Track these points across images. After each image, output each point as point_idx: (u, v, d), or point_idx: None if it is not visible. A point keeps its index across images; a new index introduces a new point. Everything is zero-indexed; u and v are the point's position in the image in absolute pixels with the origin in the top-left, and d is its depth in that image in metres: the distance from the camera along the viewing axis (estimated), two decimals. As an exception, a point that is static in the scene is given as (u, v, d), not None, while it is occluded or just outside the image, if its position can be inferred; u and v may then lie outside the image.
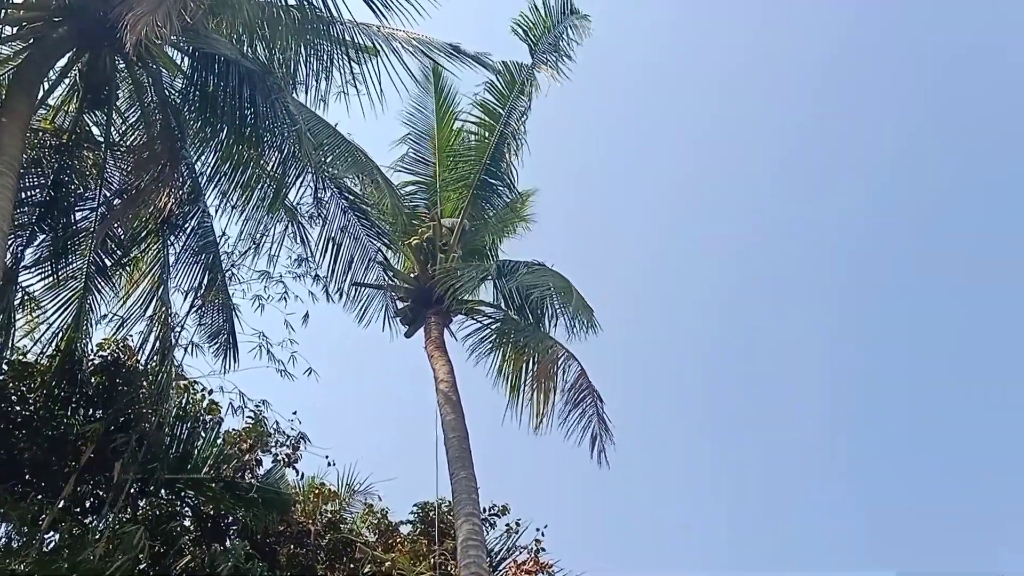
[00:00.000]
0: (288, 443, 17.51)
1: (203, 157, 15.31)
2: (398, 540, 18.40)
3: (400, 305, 18.88)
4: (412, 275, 19.07)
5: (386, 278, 18.31)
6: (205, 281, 16.12)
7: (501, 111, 19.18)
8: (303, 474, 17.92)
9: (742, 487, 31.71)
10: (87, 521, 15.78)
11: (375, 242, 17.28)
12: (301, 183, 15.32)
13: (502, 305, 18.73)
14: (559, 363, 17.67)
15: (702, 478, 32.00)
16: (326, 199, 16.27)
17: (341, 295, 18.19)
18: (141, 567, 14.86)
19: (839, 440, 32.45)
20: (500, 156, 19.27)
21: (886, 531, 29.88)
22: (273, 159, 14.76)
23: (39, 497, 15.23)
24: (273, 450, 17.45)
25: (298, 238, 16.51)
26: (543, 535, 18.85)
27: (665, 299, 34.51)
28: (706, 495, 31.67)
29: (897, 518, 30.21)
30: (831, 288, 33.94)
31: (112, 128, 15.81)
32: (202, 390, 17.05)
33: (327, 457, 17.99)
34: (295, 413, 17.56)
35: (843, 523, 30.97)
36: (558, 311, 17.22)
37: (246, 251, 16.77)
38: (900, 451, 32.28)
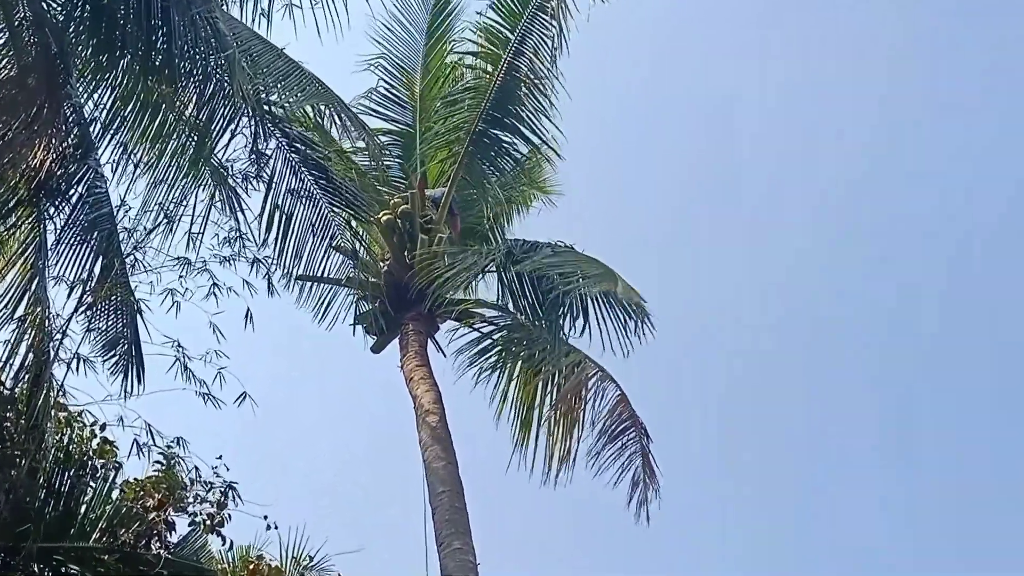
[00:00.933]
0: (212, 498, 16.25)
1: (96, 97, 14.23)
2: (369, 637, 17.48)
3: (367, 307, 18.35)
4: (382, 264, 18.21)
5: (349, 268, 17.54)
6: (98, 270, 14.96)
7: (511, 35, 18.17)
8: (232, 542, 16.82)
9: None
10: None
11: (338, 210, 16.40)
12: (234, 131, 14.27)
13: (509, 305, 17.86)
14: (590, 385, 16.98)
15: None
16: (269, 152, 15.36)
17: (291, 284, 17.73)
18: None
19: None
20: (510, 98, 18.27)
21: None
22: (195, 98, 13.83)
23: None
24: (191, 508, 16.22)
25: (230, 208, 15.45)
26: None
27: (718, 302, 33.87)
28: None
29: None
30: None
31: None
32: (92, 424, 15.77)
33: (266, 518, 16.72)
34: (220, 458, 16.32)
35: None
36: (600, 311, 16.22)
37: (155, 227, 15.55)
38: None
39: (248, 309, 16.58)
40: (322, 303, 18.55)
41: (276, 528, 17.14)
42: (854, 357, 34.74)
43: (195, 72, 13.46)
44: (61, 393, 15.42)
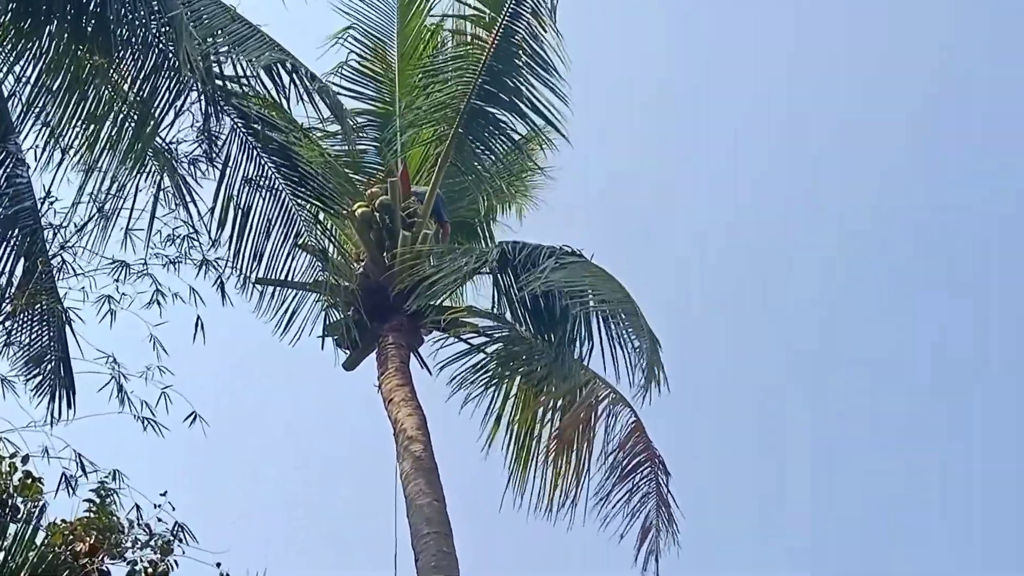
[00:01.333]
0: (155, 542, 15.10)
1: (17, 69, 13.60)
2: None
3: (338, 316, 17.65)
4: (357, 266, 17.65)
5: (316, 270, 16.67)
6: (19, 274, 14.51)
7: None
8: None
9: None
10: None
11: (305, 201, 15.91)
12: (181, 109, 13.83)
13: (506, 314, 17.26)
14: (600, 410, 16.54)
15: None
16: (223, 134, 14.92)
17: (249, 289, 16.74)
18: None
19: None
20: (506, 68, 17.62)
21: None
22: (134, 70, 13.42)
23: None
24: (130, 554, 15.09)
25: (177, 199, 15.10)
26: None
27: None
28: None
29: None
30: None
31: None
32: (12, 456, 14.88)
33: (219, 566, 15.33)
34: (165, 494, 15.30)
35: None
36: (613, 337, 15.56)
37: (87, 223, 14.92)
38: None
39: (198, 318, 16.05)
40: (286, 311, 17.85)
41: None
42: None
43: (134, 40, 13.11)
44: None
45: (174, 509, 15.12)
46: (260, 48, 14.89)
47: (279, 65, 14.96)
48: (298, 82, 15.27)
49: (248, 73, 14.73)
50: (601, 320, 15.59)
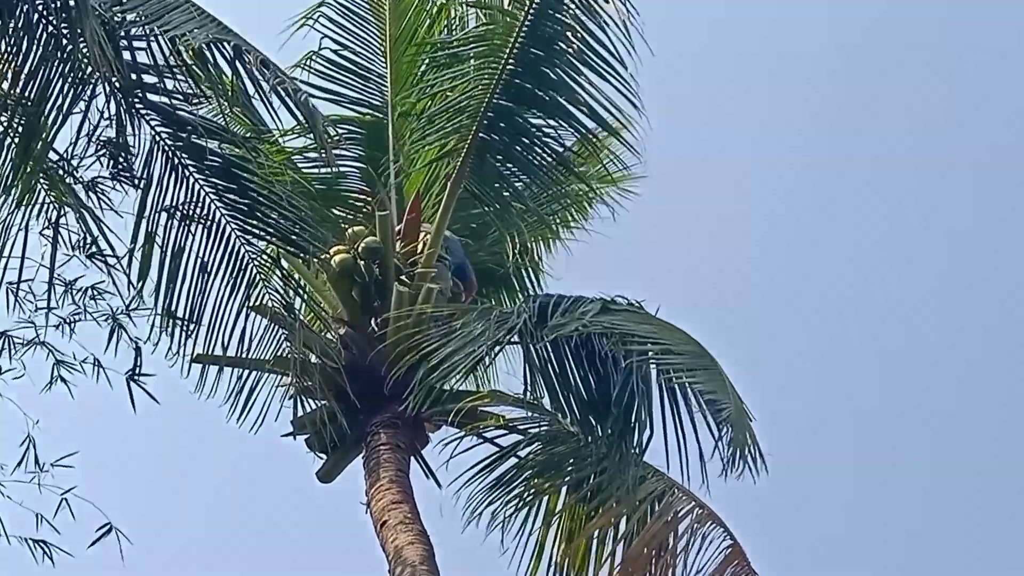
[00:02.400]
0: None
1: None
2: None
3: (311, 405, 16.41)
4: (334, 335, 16.60)
5: (278, 342, 15.62)
6: None
7: None
8: None
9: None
10: None
11: (261, 242, 15.14)
12: (86, 110, 13.12)
13: (545, 399, 15.83)
14: (680, 530, 15.57)
15: None
16: (138, 146, 13.91)
17: (182, 368, 15.66)
18: None
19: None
20: (547, 53, 16.31)
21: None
22: (17, 64, 12.69)
23: None
24: None
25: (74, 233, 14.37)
26: None
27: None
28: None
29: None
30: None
31: None
32: None
33: None
34: None
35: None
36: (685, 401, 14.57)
37: None
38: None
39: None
40: (240, 396, 16.39)
41: None
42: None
43: (15, 22, 12.37)
44: None
45: None
46: (189, 23, 13.73)
47: (216, 46, 13.82)
48: (245, 71, 14.03)
49: (173, 59, 13.78)
50: (665, 379, 14.41)
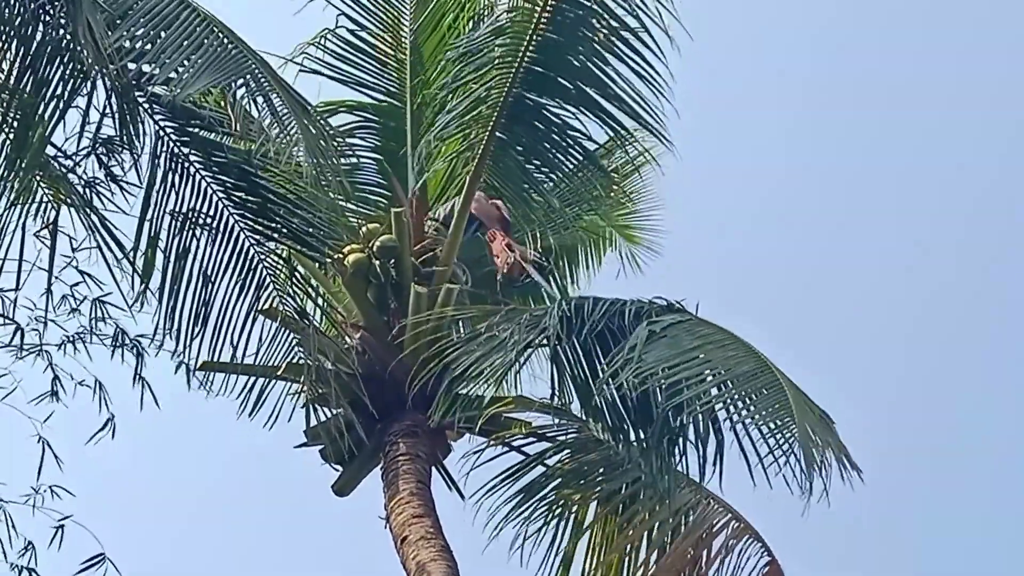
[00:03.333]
0: None
1: None
2: None
3: (329, 413, 15.52)
4: (350, 340, 15.82)
5: (299, 341, 14.93)
6: None
7: None
8: None
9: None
10: None
11: (271, 243, 14.54)
12: (86, 114, 12.76)
13: (574, 405, 15.16)
14: (716, 545, 15.07)
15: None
16: (142, 144, 13.36)
17: (188, 376, 15.33)
18: None
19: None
20: (571, 41, 15.50)
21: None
22: (12, 59, 12.42)
23: None
24: None
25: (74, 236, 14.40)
26: None
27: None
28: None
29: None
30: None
31: None
32: None
33: None
34: None
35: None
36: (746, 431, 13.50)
37: None
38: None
39: (110, 419, 15.38)
40: (251, 402, 15.70)
41: None
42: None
43: (11, 16, 12.16)
44: None
45: None
46: (192, 35, 13.12)
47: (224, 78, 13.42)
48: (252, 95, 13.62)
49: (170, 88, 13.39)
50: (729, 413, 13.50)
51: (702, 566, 14.99)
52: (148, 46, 13.05)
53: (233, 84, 13.49)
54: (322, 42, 17.60)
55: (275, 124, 13.50)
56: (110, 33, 12.05)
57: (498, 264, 15.93)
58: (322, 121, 15.39)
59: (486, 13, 16.80)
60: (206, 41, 13.29)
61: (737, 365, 13.37)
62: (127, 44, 12.73)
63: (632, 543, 15.16)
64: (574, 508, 15.34)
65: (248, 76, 13.64)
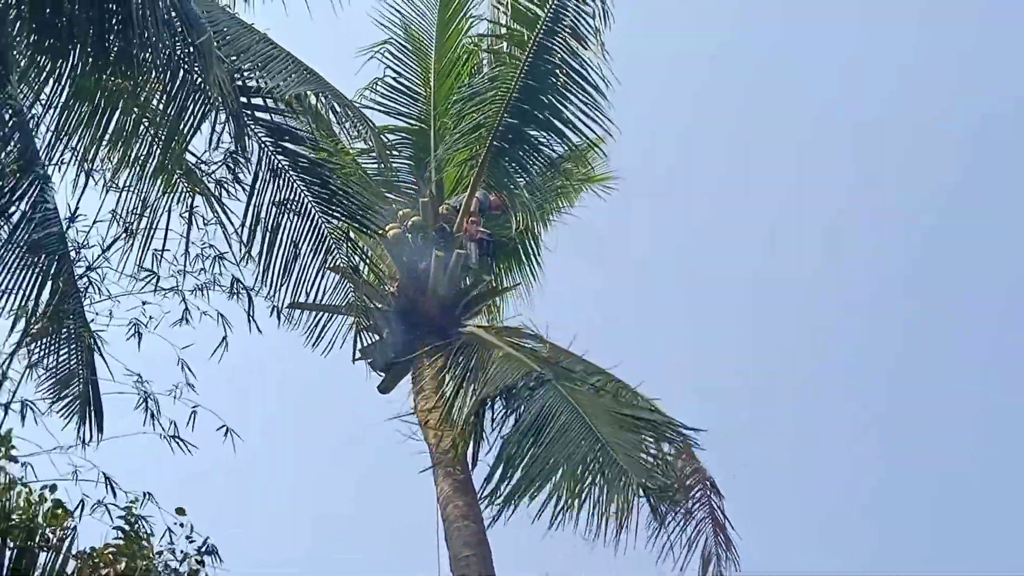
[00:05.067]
0: (184, 565, 15.54)
1: (44, 94, 13.95)
2: None
3: (373, 338, 18.09)
4: (391, 288, 18.16)
5: (352, 288, 17.22)
6: (45, 297, 14.85)
7: (540, 12, 17.70)
8: None
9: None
10: None
11: (337, 222, 16.23)
12: (212, 128, 14.12)
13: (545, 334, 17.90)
14: None
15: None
16: (250, 152, 15.19)
17: (279, 313, 17.21)
18: None
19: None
20: (542, 86, 17.95)
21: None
22: (160, 92, 13.76)
23: None
24: None
25: (212, 212, 15.57)
26: None
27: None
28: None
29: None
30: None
31: None
32: (42, 488, 15.03)
33: None
34: (182, 512, 15.80)
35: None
36: None
37: (113, 242, 15.58)
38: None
39: (224, 337, 16.57)
40: (316, 328, 18.55)
41: None
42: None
43: (158, 62, 13.32)
44: (3, 444, 15.10)
45: (199, 539, 15.67)
46: (287, 70, 15.45)
47: (308, 88, 15.45)
48: (328, 106, 16.01)
49: (275, 96, 15.30)
50: None
51: None
52: (256, 73, 15.21)
53: (320, 93, 15.87)
54: (374, 87, 19.85)
55: (355, 127, 16.57)
56: (230, 78, 13.84)
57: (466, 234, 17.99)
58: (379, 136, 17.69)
59: (483, 63, 19.11)
60: (298, 67, 15.72)
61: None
62: (240, 82, 14.72)
63: None
64: None
65: (328, 89, 16.13)
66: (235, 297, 16.69)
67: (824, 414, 36.62)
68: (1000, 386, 36.34)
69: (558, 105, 18.04)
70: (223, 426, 16.24)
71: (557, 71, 17.85)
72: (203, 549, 15.57)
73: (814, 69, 38.00)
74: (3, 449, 15.05)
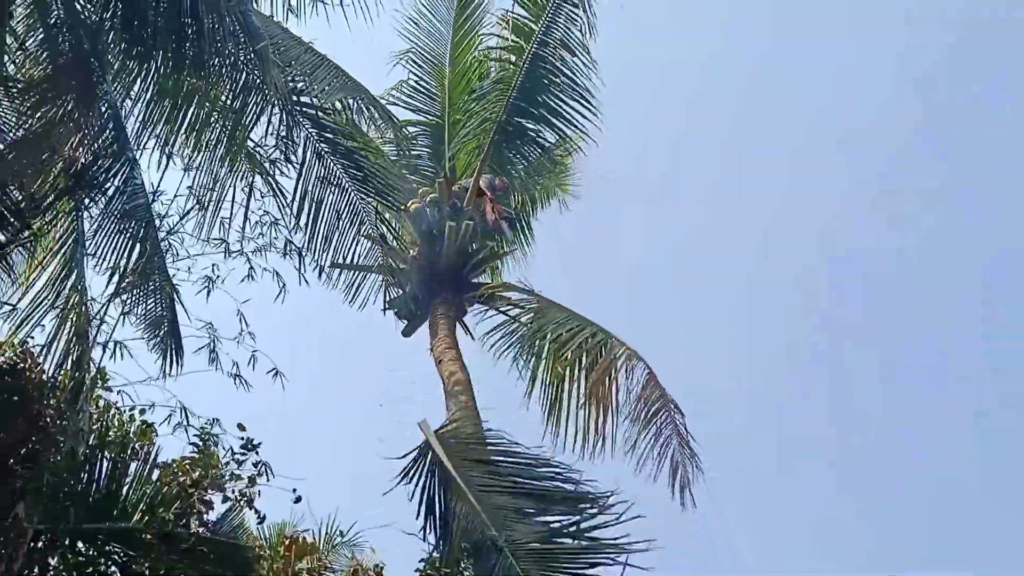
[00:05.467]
0: (244, 475, 17.45)
1: (132, 92, 15.67)
2: (399, 609, 18.19)
3: (397, 292, 19.49)
4: (412, 252, 19.56)
5: (378, 254, 18.48)
6: (135, 257, 16.37)
7: (534, 26, 19.45)
8: (264, 516, 17.86)
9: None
10: (-20, 586, 15.35)
11: (368, 197, 17.47)
12: (267, 121, 15.81)
13: (536, 289, 19.13)
14: (619, 365, 17.91)
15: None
16: (298, 140, 16.56)
17: (320, 272, 18.79)
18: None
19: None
20: (536, 88, 19.59)
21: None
22: (226, 91, 15.28)
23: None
24: (227, 486, 17.35)
25: (266, 187, 17.14)
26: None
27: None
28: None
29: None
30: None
31: (5, 56, 16.02)
32: (131, 409, 16.85)
33: (294, 490, 17.86)
34: (242, 427, 17.48)
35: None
36: None
37: (188, 211, 17.15)
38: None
39: (283, 286, 18.01)
40: (352, 288, 19.94)
41: (303, 500, 18.03)
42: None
43: (225, 66, 14.76)
44: (103, 376, 16.70)
45: (258, 449, 17.36)
46: (328, 76, 16.86)
47: (344, 95, 16.80)
48: (360, 106, 17.42)
49: (320, 100, 16.66)
50: None
51: (613, 377, 17.66)
52: (305, 79, 16.47)
53: (356, 97, 17.31)
54: (400, 87, 21.29)
55: (382, 122, 17.71)
56: (283, 79, 15.13)
57: (488, 215, 19.21)
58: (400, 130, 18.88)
59: (488, 70, 20.46)
60: (338, 73, 17.10)
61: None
62: (291, 83, 15.93)
63: (569, 365, 18.03)
64: (536, 348, 18.57)
65: (361, 92, 17.50)
66: (287, 257, 18.02)
67: (822, 415, 36.53)
68: (998, 386, 35.48)
69: (550, 102, 19.60)
70: (273, 368, 17.65)
71: (549, 75, 19.46)
72: (258, 464, 17.19)
73: (805, 77, 37.24)
74: (100, 381, 16.60)
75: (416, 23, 21.48)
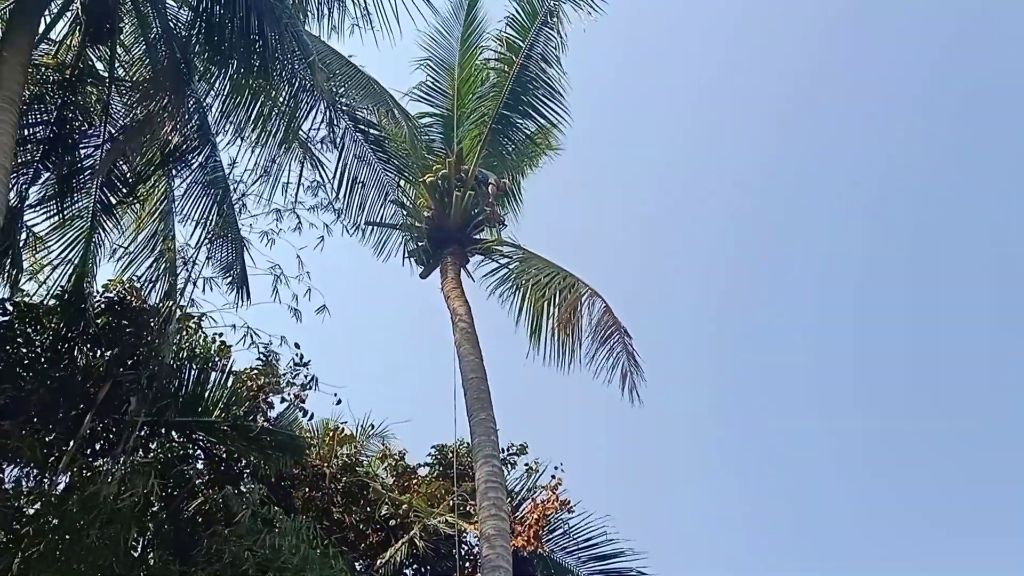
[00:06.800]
0: (298, 382, 18.72)
1: (213, 90, 16.60)
2: (415, 483, 19.90)
3: (415, 245, 20.32)
4: (427, 214, 20.30)
5: (401, 216, 19.75)
6: (215, 215, 17.43)
7: (521, 44, 20.51)
8: (312, 414, 19.13)
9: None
10: (97, 464, 16.74)
11: (391, 174, 18.78)
12: (314, 115, 16.49)
13: (521, 244, 20.07)
14: (583, 301, 18.94)
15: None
16: (340, 130, 17.51)
17: (357, 229, 19.76)
18: (154, 509, 15.86)
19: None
20: (522, 89, 20.64)
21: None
22: (284, 91, 15.86)
23: (48, 439, 16.21)
24: (285, 391, 18.62)
25: (311, 165, 18.12)
26: (562, 472, 20.35)
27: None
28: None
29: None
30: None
31: (116, 63, 16.93)
32: (213, 333, 18.04)
33: (335, 394, 19.09)
34: (298, 346, 18.61)
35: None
36: None
37: (256, 180, 18.01)
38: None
39: (322, 236, 19.11)
40: (380, 244, 21.00)
41: (342, 403, 19.62)
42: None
43: (284, 72, 15.48)
44: (190, 306, 17.84)
45: (308, 364, 18.75)
46: (361, 83, 18.17)
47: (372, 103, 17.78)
48: (386, 109, 18.41)
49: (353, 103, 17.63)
50: None
51: (578, 309, 18.75)
52: (344, 84, 17.79)
53: (382, 102, 18.43)
54: (421, 86, 21.88)
55: (399, 122, 18.51)
56: (328, 84, 16.04)
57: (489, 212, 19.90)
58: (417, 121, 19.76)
59: (488, 75, 21.39)
60: (369, 82, 18.45)
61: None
62: (334, 88, 16.82)
63: (546, 301, 19.17)
64: (521, 289, 19.65)
65: (386, 97, 18.69)
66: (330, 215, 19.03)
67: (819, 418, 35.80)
68: (995, 387, 35.48)
69: (532, 101, 20.89)
70: (322, 305, 18.77)
71: (532, 81, 20.70)
72: (309, 377, 18.63)
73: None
74: (188, 308, 17.85)
75: (433, 38, 22.20)
